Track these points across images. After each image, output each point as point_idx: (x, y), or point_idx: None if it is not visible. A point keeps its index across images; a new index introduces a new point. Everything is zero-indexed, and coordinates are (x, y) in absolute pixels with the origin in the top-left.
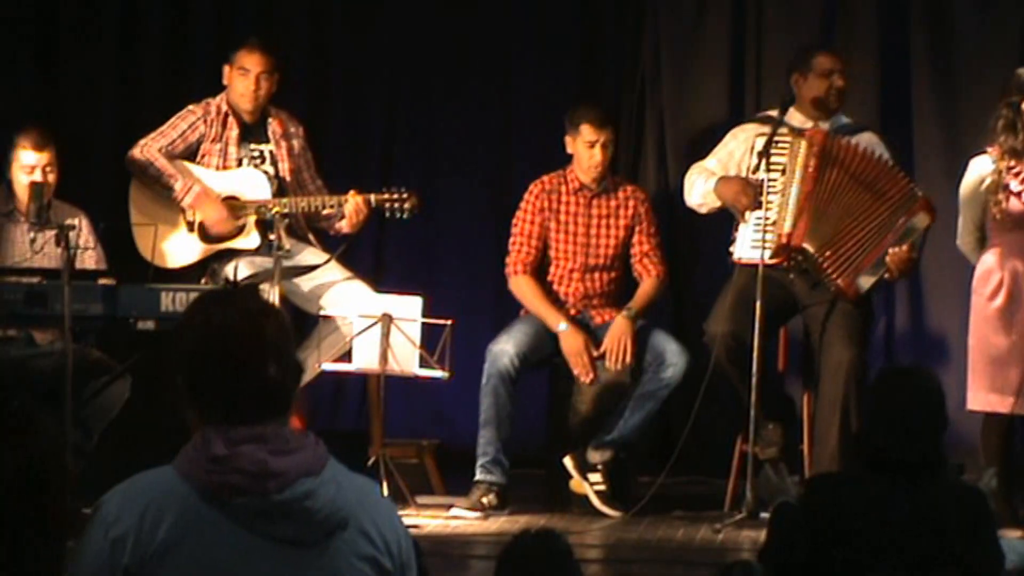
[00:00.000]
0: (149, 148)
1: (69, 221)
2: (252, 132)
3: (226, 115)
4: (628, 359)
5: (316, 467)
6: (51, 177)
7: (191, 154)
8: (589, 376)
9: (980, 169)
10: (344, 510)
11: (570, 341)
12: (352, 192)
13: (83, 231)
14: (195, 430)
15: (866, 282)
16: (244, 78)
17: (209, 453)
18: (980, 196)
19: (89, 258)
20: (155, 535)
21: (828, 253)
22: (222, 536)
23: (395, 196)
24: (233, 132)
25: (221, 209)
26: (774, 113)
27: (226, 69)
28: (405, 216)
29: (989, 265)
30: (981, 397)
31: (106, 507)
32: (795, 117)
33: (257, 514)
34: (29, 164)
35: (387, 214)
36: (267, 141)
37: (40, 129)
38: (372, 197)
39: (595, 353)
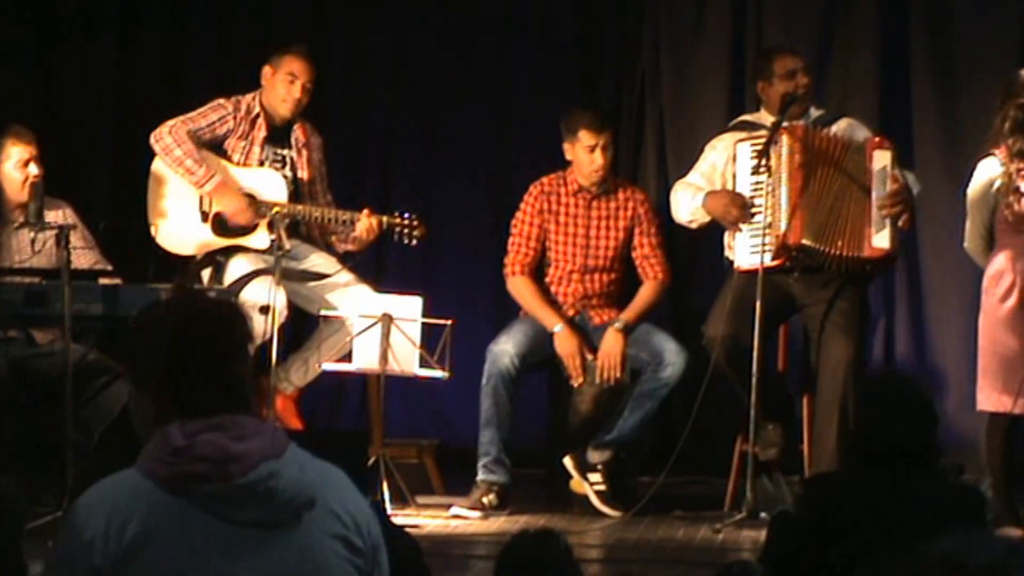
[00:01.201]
0: (178, 130)
1: (53, 213)
2: (277, 136)
3: (256, 115)
4: (618, 373)
5: (277, 450)
6: (38, 170)
7: (215, 146)
8: (579, 379)
9: (989, 171)
10: (310, 490)
11: (564, 343)
12: (366, 212)
13: (69, 222)
14: (142, 429)
15: (882, 238)
16: (291, 84)
17: (169, 447)
18: (989, 199)
19: (78, 255)
20: (123, 535)
21: (825, 238)
22: (191, 527)
23: (405, 222)
24: (261, 133)
25: (241, 200)
26: (749, 117)
27: (267, 70)
28: (413, 243)
29: (1000, 267)
30: (994, 398)
31: (74, 513)
32: (769, 120)
33: (222, 500)
34: (23, 158)
35: (395, 238)
36: (290, 147)
37: (22, 123)
38: (384, 219)
39: (588, 357)
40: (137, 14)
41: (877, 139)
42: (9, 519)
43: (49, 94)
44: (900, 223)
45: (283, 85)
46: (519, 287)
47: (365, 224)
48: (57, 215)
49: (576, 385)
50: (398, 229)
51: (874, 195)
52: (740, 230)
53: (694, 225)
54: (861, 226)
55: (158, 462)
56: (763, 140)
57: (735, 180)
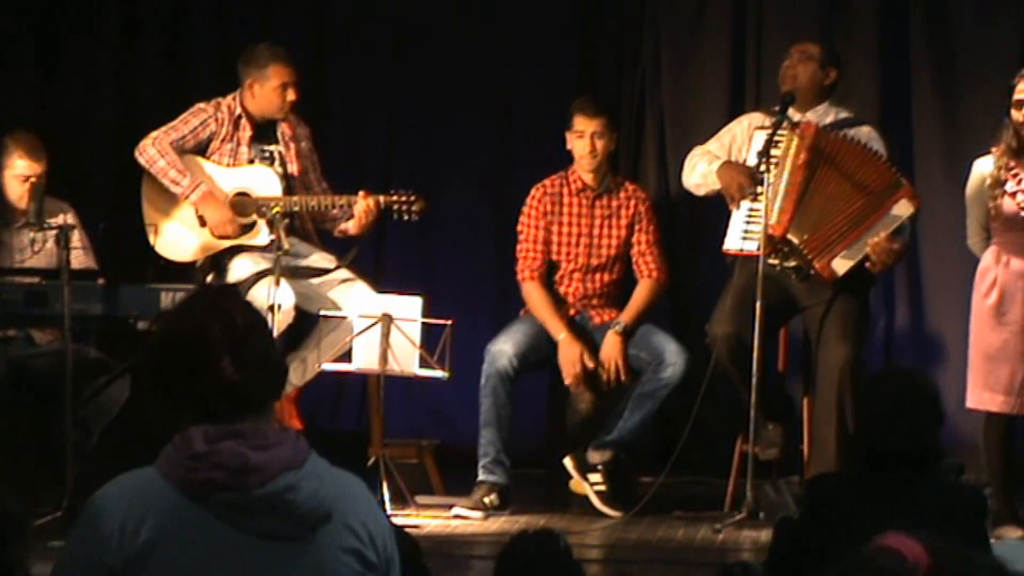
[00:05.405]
0: (161, 141)
1: (55, 216)
2: (263, 133)
3: (239, 116)
4: (623, 377)
5: (297, 461)
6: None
7: (200, 151)
8: (579, 387)
9: (982, 169)
10: (327, 503)
11: (566, 351)
12: (362, 193)
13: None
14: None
15: (841, 266)
16: (283, 92)
17: (190, 451)
18: (984, 195)
19: (76, 257)
20: (138, 535)
21: (808, 239)
22: (205, 533)
23: (403, 198)
24: (247, 133)
25: (225, 211)
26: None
27: (251, 84)
28: (414, 218)
29: (986, 263)
30: (976, 395)
31: (90, 509)
32: (797, 116)
33: (239, 509)
34: (23, 174)
35: (395, 216)
36: (276, 142)
37: (35, 137)
38: (381, 199)
39: (589, 365)
40: (137, 14)
41: (910, 188)
42: (9, 539)
43: (49, 94)
44: (868, 265)
45: (275, 96)
46: (531, 293)
47: (363, 206)
48: (58, 219)
49: (573, 390)
50: (396, 207)
51: (873, 230)
52: (738, 207)
53: (701, 191)
54: (836, 243)
55: (177, 465)
56: (782, 133)
57: (752, 166)
